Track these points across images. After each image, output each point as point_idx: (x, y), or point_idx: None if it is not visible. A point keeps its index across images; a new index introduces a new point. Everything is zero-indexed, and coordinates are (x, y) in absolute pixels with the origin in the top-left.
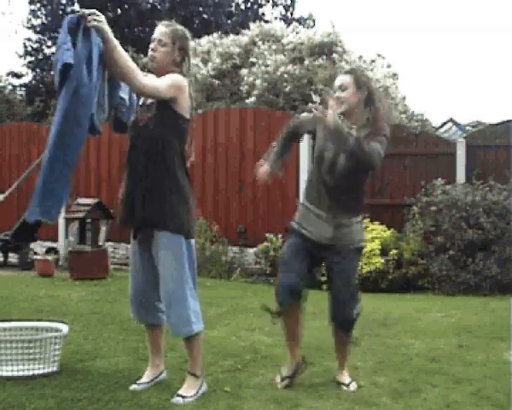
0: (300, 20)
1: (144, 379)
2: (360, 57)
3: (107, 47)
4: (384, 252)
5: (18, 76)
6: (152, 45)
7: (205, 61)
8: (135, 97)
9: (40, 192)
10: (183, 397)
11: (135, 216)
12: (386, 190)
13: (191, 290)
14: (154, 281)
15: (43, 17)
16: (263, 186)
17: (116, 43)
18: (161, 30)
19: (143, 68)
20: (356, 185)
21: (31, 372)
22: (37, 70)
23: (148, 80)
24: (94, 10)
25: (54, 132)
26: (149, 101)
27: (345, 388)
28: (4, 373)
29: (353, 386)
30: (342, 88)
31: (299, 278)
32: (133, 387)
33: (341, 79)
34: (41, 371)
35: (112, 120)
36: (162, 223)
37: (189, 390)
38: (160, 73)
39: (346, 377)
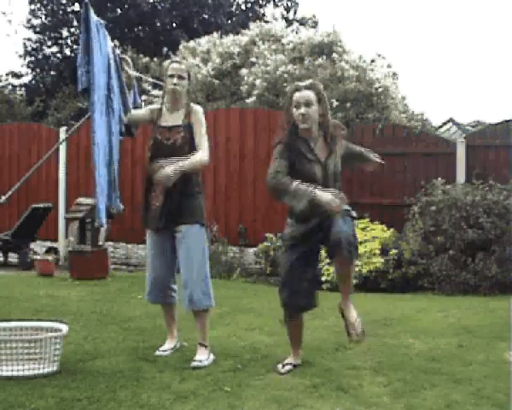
0: (302, 21)
1: (167, 346)
2: (360, 57)
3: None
4: (384, 252)
5: (18, 76)
6: (175, 80)
7: (205, 61)
8: (139, 101)
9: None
10: (201, 361)
11: (171, 219)
12: (386, 190)
13: (208, 270)
14: (171, 266)
15: (43, 17)
16: (263, 186)
17: (189, 165)
18: (180, 66)
19: (147, 69)
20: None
21: (31, 372)
22: (37, 70)
23: (206, 149)
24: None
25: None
26: (170, 124)
27: (352, 328)
28: (4, 373)
29: (359, 325)
30: (307, 104)
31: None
32: (158, 353)
33: (306, 95)
34: (41, 371)
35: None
36: (193, 218)
37: (203, 356)
38: (179, 100)
39: (353, 312)
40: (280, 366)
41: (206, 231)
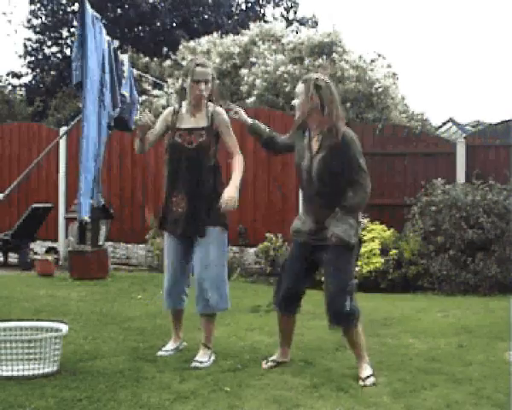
0: (302, 21)
1: (170, 347)
2: (360, 57)
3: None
4: (384, 252)
5: (18, 76)
6: (202, 86)
7: None
8: (136, 95)
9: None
10: (201, 362)
11: (198, 223)
12: (386, 190)
13: (226, 273)
14: (188, 269)
15: (44, 17)
16: (263, 186)
17: (238, 181)
18: (205, 70)
19: (147, 69)
20: (335, 188)
21: (31, 372)
22: (37, 70)
23: (239, 152)
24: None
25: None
26: (189, 126)
27: (361, 382)
28: (4, 373)
29: (369, 381)
30: (296, 96)
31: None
32: (161, 353)
33: (297, 88)
34: (41, 371)
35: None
36: (216, 221)
37: (204, 357)
38: (203, 103)
39: (362, 371)
40: (264, 361)
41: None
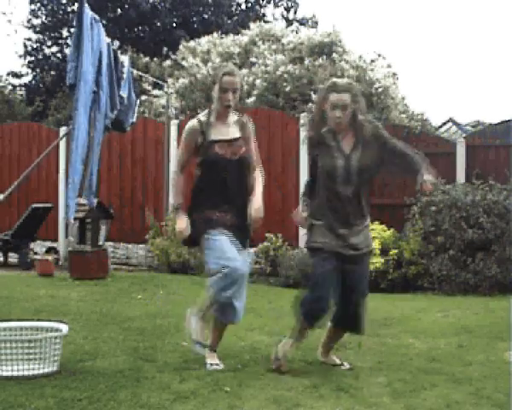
0: (302, 21)
1: (217, 359)
2: (360, 57)
3: None
4: (384, 252)
5: (18, 76)
6: (230, 96)
7: (205, 61)
8: (134, 97)
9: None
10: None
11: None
12: (386, 190)
13: None
14: None
15: (44, 17)
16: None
17: (260, 196)
18: (234, 80)
19: (147, 69)
20: (367, 187)
21: (31, 372)
22: (37, 70)
23: (259, 159)
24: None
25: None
26: (227, 137)
27: (342, 367)
28: (4, 373)
29: (347, 364)
30: (344, 108)
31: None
32: (212, 368)
33: (343, 99)
34: (41, 371)
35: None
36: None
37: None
38: (230, 112)
39: (336, 358)
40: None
41: None
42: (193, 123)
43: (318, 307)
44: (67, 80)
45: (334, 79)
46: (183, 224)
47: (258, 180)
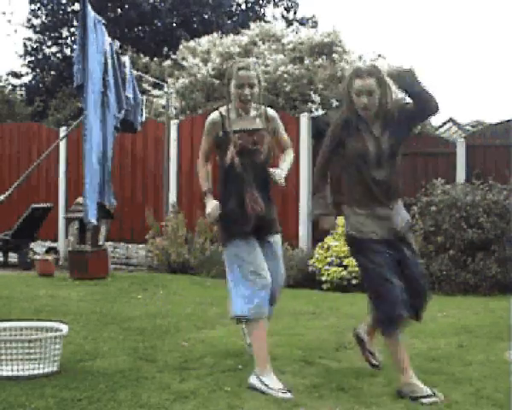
0: (302, 21)
1: (281, 384)
2: (360, 57)
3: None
4: None
5: (18, 76)
6: (246, 91)
7: (205, 61)
8: (140, 96)
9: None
10: None
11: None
12: None
13: None
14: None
15: (43, 17)
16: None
17: (289, 168)
18: (249, 74)
19: (147, 69)
20: (396, 165)
21: (31, 372)
22: (37, 70)
23: (292, 149)
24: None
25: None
26: (248, 127)
27: (432, 399)
28: (4, 373)
29: (440, 395)
30: (368, 93)
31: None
32: (288, 396)
33: (368, 85)
34: (41, 371)
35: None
36: (278, 227)
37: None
38: (251, 106)
39: (422, 386)
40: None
41: None
42: (215, 115)
43: (395, 316)
44: (75, 81)
45: (359, 65)
46: (210, 206)
47: (286, 158)
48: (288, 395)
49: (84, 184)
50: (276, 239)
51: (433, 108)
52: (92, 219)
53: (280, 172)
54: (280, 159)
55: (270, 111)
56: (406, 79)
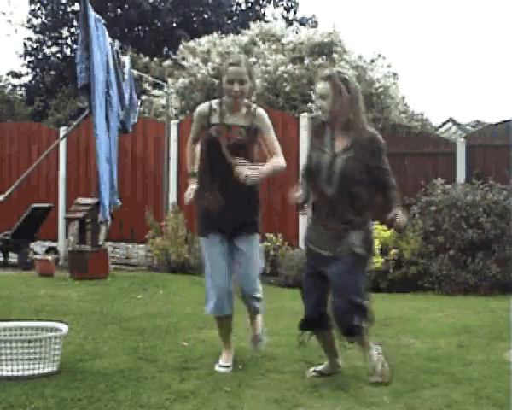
0: (302, 21)
1: (228, 363)
2: (360, 57)
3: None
4: (384, 252)
5: (18, 76)
6: (236, 87)
7: (205, 61)
8: (135, 98)
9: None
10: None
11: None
12: None
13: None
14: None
15: (43, 17)
16: (263, 186)
17: (267, 171)
18: (240, 70)
19: (147, 69)
20: (355, 192)
21: (31, 372)
22: (37, 70)
23: (281, 155)
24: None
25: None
26: (229, 122)
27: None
28: (4, 373)
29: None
30: (323, 97)
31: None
32: (222, 370)
33: (320, 88)
34: (41, 371)
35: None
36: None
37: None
38: (241, 102)
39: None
40: (310, 369)
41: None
42: (204, 106)
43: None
44: (79, 81)
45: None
46: (188, 190)
47: (270, 161)
48: (222, 369)
49: (99, 184)
50: (249, 240)
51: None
52: (108, 216)
53: (246, 170)
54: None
55: (261, 111)
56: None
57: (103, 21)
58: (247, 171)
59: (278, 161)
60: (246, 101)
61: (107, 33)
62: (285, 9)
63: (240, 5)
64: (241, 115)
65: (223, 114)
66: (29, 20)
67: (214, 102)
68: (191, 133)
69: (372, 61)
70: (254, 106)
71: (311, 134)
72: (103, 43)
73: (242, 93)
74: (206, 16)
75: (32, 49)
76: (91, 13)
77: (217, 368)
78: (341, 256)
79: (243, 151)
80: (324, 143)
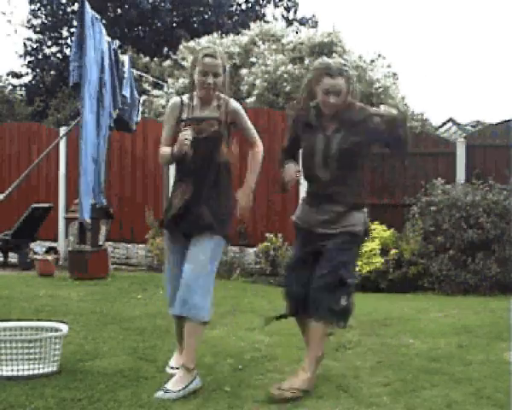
0: (302, 21)
1: (175, 363)
2: (360, 57)
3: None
4: (384, 252)
5: (18, 76)
6: (210, 80)
7: None
8: (136, 96)
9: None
10: (167, 391)
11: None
12: (386, 190)
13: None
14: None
15: (43, 17)
16: (263, 186)
17: (253, 181)
18: (214, 62)
19: (147, 69)
20: (350, 174)
21: (31, 372)
22: (37, 70)
23: (260, 143)
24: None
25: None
26: (200, 115)
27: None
28: (4, 373)
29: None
30: (337, 93)
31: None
32: (171, 371)
33: (338, 85)
34: (41, 371)
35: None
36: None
37: (176, 385)
38: (213, 95)
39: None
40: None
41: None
42: (175, 100)
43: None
44: (71, 79)
45: (327, 60)
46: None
47: (251, 168)
48: (170, 371)
49: (78, 183)
50: (205, 240)
51: (402, 153)
52: (86, 217)
53: (244, 204)
54: (248, 167)
55: (233, 103)
56: (397, 122)
57: (101, 20)
58: (241, 202)
59: (254, 158)
60: (216, 93)
61: (104, 32)
62: (285, 9)
63: (240, 5)
64: (212, 108)
65: (194, 109)
66: (29, 20)
67: (185, 97)
68: (162, 137)
69: (372, 61)
70: (225, 97)
71: (294, 118)
72: (99, 41)
73: (216, 86)
74: (206, 16)
75: (32, 49)
76: (88, 11)
77: (166, 369)
78: (338, 234)
79: (217, 144)
80: (311, 130)
